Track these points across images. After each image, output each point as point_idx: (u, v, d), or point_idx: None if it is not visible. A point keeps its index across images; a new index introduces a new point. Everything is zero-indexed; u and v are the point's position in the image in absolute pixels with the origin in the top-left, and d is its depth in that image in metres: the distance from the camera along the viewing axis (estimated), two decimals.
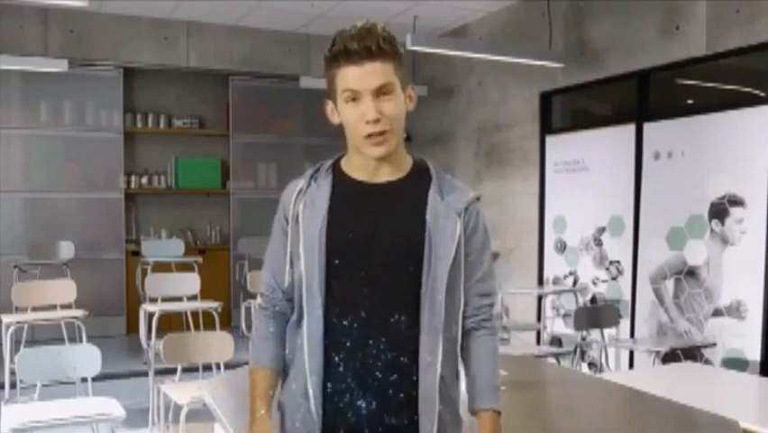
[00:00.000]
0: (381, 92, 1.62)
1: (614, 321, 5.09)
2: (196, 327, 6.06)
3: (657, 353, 4.82)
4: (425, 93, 7.82)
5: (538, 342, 6.34)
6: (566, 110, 6.93)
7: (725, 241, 5.08)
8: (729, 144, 5.07)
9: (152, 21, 7.48)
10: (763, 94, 5.03)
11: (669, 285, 5.49)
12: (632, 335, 5.72)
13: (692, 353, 5.01)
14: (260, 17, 7.44)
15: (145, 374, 5.06)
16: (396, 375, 1.64)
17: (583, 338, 5.21)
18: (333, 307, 1.65)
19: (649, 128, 5.70)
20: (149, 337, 5.44)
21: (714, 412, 2.65)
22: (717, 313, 5.11)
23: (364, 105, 1.62)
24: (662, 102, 5.85)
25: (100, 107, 7.85)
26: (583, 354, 5.76)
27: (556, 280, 6.62)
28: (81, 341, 5.05)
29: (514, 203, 7.04)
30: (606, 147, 6.11)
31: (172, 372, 4.38)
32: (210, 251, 8.21)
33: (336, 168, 1.74)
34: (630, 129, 5.84)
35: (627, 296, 5.84)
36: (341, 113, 1.67)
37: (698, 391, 3.34)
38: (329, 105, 1.71)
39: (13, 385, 4.71)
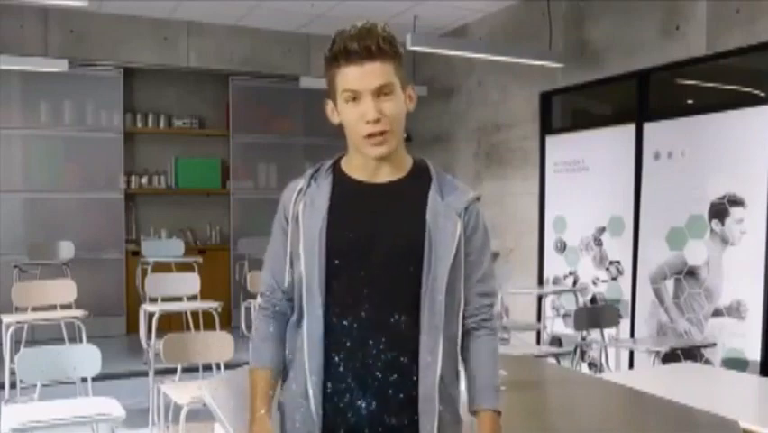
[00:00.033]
0: (381, 92, 1.62)
1: (614, 321, 5.08)
2: (196, 327, 6.05)
3: (657, 353, 4.82)
4: (425, 93, 7.82)
5: (538, 342, 6.34)
6: (566, 110, 6.93)
7: (725, 241, 5.08)
8: (729, 144, 5.07)
9: (152, 21, 7.48)
10: (763, 94, 5.03)
11: (669, 285, 5.49)
12: (632, 335, 5.72)
13: (692, 353, 5.01)
14: (260, 17, 7.44)
15: (145, 374, 5.06)
16: (396, 375, 1.64)
17: (583, 338, 5.21)
18: (332, 307, 1.65)
19: (649, 128, 5.70)
20: (149, 337, 5.44)
21: (714, 412, 2.65)
22: (717, 313, 5.11)
23: (364, 105, 1.62)
24: (662, 102, 5.85)
25: (100, 107, 7.85)
26: (583, 354, 5.76)
27: (556, 281, 6.62)
28: (81, 341, 5.05)
29: (514, 203, 7.04)
30: (606, 147, 6.11)
31: (172, 372, 4.38)
32: (210, 251, 8.21)
33: (336, 168, 1.74)
34: (630, 129, 5.84)
35: (627, 296, 5.84)
36: (341, 113, 1.67)
37: (698, 391, 3.34)
38: (329, 105, 1.71)
39: (13, 385, 4.71)
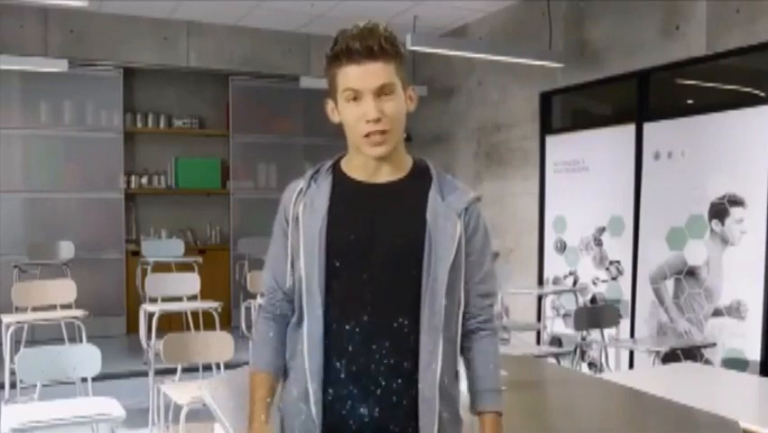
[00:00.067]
0: (382, 92, 1.62)
1: (614, 321, 5.08)
2: (196, 327, 6.05)
3: (657, 353, 4.82)
4: (425, 93, 7.82)
5: (538, 342, 6.34)
6: (566, 110, 6.93)
7: (725, 241, 5.08)
8: (729, 144, 5.07)
9: (152, 21, 7.48)
10: (763, 94, 5.03)
11: (669, 285, 5.49)
12: (632, 335, 5.72)
13: (692, 353, 5.01)
14: (260, 17, 7.44)
15: (145, 374, 5.06)
16: (400, 381, 1.63)
17: (583, 338, 5.21)
18: (333, 307, 1.64)
19: (649, 128, 5.70)
20: (149, 337, 5.44)
21: (714, 412, 2.65)
22: (717, 313, 5.11)
23: (365, 104, 1.62)
24: (662, 102, 5.85)
25: (100, 107, 7.85)
26: (583, 354, 5.76)
27: (556, 280, 6.62)
28: (81, 341, 5.05)
29: (514, 203, 7.04)
30: (606, 147, 6.11)
31: (172, 372, 4.38)
32: (210, 251, 8.21)
33: (336, 168, 1.74)
34: (630, 129, 5.84)
35: (627, 296, 5.84)
36: (341, 112, 1.66)
37: (698, 391, 3.34)
38: (329, 105, 1.70)
39: (13, 385, 4.71)
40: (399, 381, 1.63)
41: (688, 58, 5.35)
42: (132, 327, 7.46)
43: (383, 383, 1.62)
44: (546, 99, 6.78)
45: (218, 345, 4.23)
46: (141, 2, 6.97)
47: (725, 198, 5.08)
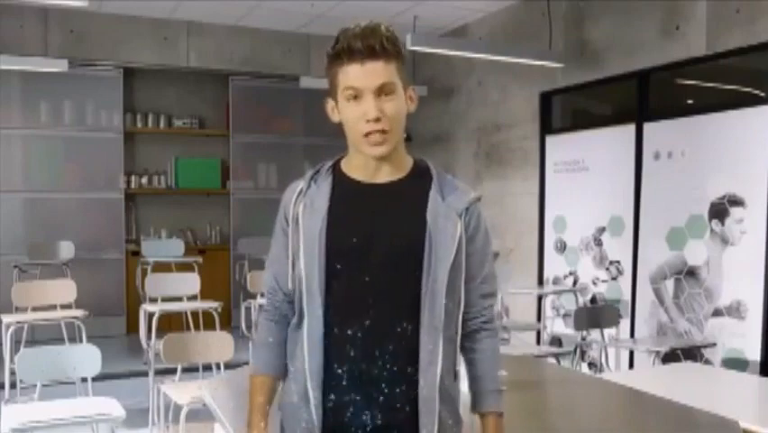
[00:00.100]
0: (383, 91, 1.62)
1: (614, 321, 5.08)
2: (196, 327, 6.05)
3: (657, 353, 4.82)
4: (425, 93, 7.82)
5: (538, 342, 6.34)
6: (566, 110, 6.93)
7: (725, 241, 5.08)
8: (729, 144, 5.07)
9: (152, 21, 7.48)
10: (763, 94, 5.03)
11: (669, 285, 5.49)
12: (632, 335, 5.72)
13: (692, 353, 5.01)
14: (260, 17, 7.44)
15: (145, 374, 5.06)
16: (404, 386, 1.62)
17: (583, 338, 5.21)
18: (333, 308, 1.63)
19: (649, 128, 5.70)
20: (149, 337, 5.44)
21: (714, 412, 2.65)
22: (717, 313, 5.11)
23: (366, 103, 1.62)
24: (662, 102, 5.85)
25: (100, 107, 7.85)
26: (583, 354, 5.76)
27: (556, 280, 6.62)
28: (81, 341, 5.05)
29: (514, 203, 7.04)
30: (606, 147, 6.11)
31: (172, 372, 4.38)
32: (210, 251, 8.21)
33: (336, 168, 1.73)
34: (630, 129, 5.84)
35: (627, 296, 5.84)
36: (341, 111, 1.66)
37: (698, 391, 3.34)
38: (330, 104, 1.70)
39: (13, 385, 4.71)
40: (403, 387, 1.62)
41: (688, 58, 5.35)
42: (132, 327, 7.46)
43: (386, 390, 1.61)
44: (546, 99, 6.78)
45: (218, 345, 4.23)
46: (141, 2, 6.97)
47: (725, 197, 5.08)
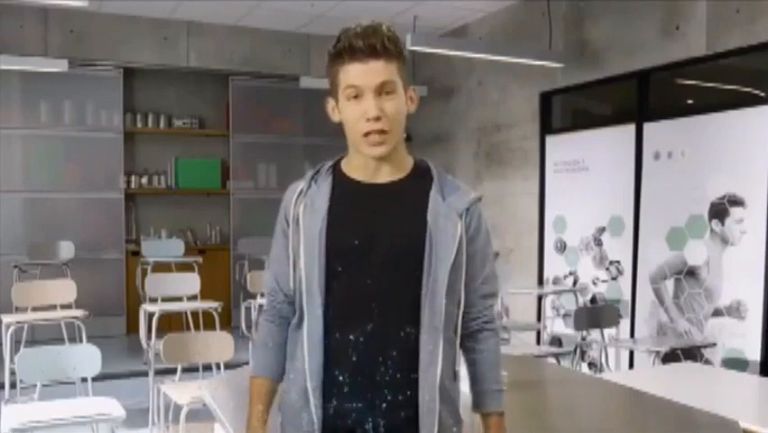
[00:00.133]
0: (383, 90, 1.62)
1: (614, 321, 5.08)
2: (196, 327, 6.05)
3: (657, 353, 4.82)
4: (425, 93, 7.82)
5: (538, 342, 6.34)
6: (566, 110, 6.93)
7: (725, 241, 5.08)
8: (729, 144, 5.07)
9: (152, 21, 7.48)
10: (763, 94, 5.03)
11: (669, 285, 5.49)
12: (632, 335, 5.72)
13: (692, 353, 5.01)
14: (260, 17, 7.44)
15: (145, 374, 5.06)
16: (409, 393, 1.61)
17: (583, 338, 5.21)
18: (333, 308, 1.62)
19: (649, 128, 5.70)
20: (149, 337, 5.44)
21: (714, 412, 2.65)
22: (717, 313, 5.11)
23: (366, 102, 1.61)
24: (662, 102, 5.85)
25: (100, 107, 7.85)
26: (583, 354, 5.76)
27: (556, 280, 6.62)
28: (81, 341, 5.05)
29: (514, 203, 7.04)
30: (606, 147, 6.11)
31: (172, 372, 4.38)
32: (210, 251, 8.21)
33: (336, 169, 1.73)
34: (630, 129, 5.84)
35: (627, 296, 5.84)
36: (342, 110, 1.66)
37: (698, 391, 3.34)
38: (330, 103, 1.70)
39: (13, 385, 4.71)
40: (408, 392, 1.61)
41: (688, 58, 5.35)
42: (132, 327, 7.46)
43: (389, 397, 1.61)
44: (546, 99, 6.78)
45: (218, 345, 4.23)
46: (141, 2, 6.97)
47: (725, 198, 5.08)
